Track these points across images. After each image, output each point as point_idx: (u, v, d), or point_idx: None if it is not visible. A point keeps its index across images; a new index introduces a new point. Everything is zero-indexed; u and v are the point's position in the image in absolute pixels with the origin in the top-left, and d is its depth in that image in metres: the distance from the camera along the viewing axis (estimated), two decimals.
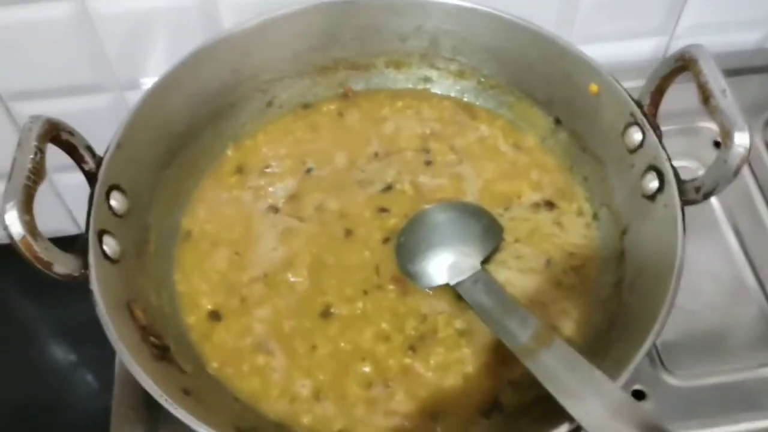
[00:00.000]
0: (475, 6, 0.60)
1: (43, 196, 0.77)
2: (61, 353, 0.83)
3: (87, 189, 0.50)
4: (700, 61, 0.49)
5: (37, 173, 0.44)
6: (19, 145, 0.45)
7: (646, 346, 0.44)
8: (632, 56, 0.77)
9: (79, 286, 0.46)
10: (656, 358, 0.60)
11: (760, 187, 0.70)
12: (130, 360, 0.44)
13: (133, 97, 0.55)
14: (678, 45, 0.68)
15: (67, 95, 0.70)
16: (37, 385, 0.81)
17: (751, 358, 0.61)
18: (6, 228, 0.42)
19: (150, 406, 0.56)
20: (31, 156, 0.44)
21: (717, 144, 0.72)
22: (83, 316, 0.46)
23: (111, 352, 0.53)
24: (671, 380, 0.59)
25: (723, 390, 0.59)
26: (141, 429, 0.56)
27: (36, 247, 0.43)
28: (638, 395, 0.58)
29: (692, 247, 0.65)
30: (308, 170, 0.61)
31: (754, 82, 0.79)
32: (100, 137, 0.52)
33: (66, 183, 0.79)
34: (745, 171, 0.71)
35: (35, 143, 0.45)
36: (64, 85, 0.70)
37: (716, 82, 0.48)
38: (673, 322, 0.61)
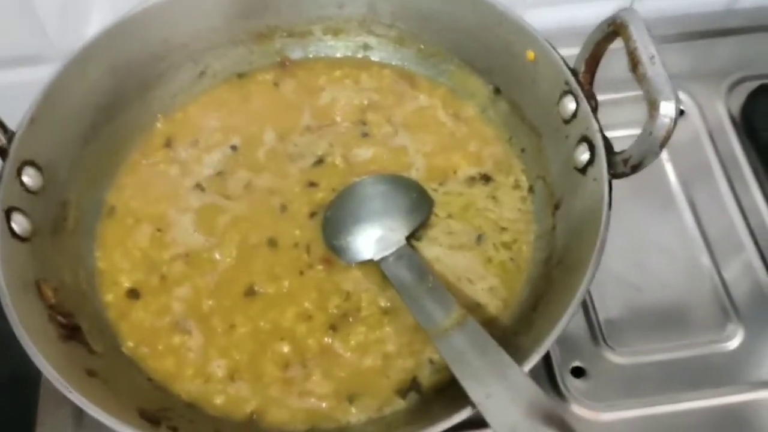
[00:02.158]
0: None
1: None
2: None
3: None
4: (630, 27, 0.47)
5: None
6: None
7: (558, 329, 0.42)
8: (593, 20, 0.73)
9: None
10: (598, 334, 0.58)
11: (721, 160, 0.67)
12: (29, 342, 0.42)
13: None
14: (643, 8, 0.65)
15: (8, 67, 0.69)
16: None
17: (699, 336, 0.59)
18: None
19: None
20: None
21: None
22: None
23: None
24: (613, 357, 0.58)
25: (667, 368, 0.57)
26: (68, 406, 0.55)
27: None
28: (578, 372, 0.57)
29: (643, 220, 0.64)
30: (237, 144, 0.59)
31: (724, 44, 0.75)
32: None
33: None
34: (705, 141, 0.68)
35: None
36: (2, 57, 0.68)
37: (645, 48, 0.45)
38: (619, 298, 0.60)
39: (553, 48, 0.53)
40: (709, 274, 0.61)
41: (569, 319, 0.43)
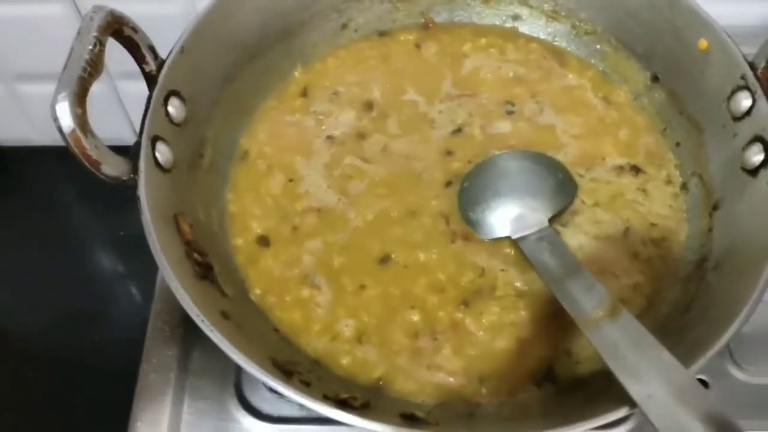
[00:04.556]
0: None
1: (106, 103, 0.77)
2: (109, 262, 0.82)
3: None
4: None
5: (95, 66, 0.42)
6: (79, 34, 0.42)
7: (729, 333, 0.40)
8: (749, 19, 0.69)
9: (134, 196, 0.44)
10: (726, 348, 0.55)
11: None
12: (170, 273, 0.41)
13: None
14: None
15: None
16: (82, 292, 0.80)
17: None
18: (56, 120, 0.40)
19: (186, 325, 0.55)
20: (90, 47, 0.42)
21: None
22: (136, 227, 0.44)
23: (157, 266, 0.51)
24: (739, 374, 0.54)
25: None
26: (175, 348, 0.55)
27: (85, 143, 0.41)
28: None
29: None
30: (376, 103, 0.57)
31: None
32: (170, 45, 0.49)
33: (130, 91, 0.77)
34: None
35: (95, 34, 0.42)
36: None
37: None
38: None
39: (731, 39, 0.50)
40: None
41: (741, 325, 0.40)
